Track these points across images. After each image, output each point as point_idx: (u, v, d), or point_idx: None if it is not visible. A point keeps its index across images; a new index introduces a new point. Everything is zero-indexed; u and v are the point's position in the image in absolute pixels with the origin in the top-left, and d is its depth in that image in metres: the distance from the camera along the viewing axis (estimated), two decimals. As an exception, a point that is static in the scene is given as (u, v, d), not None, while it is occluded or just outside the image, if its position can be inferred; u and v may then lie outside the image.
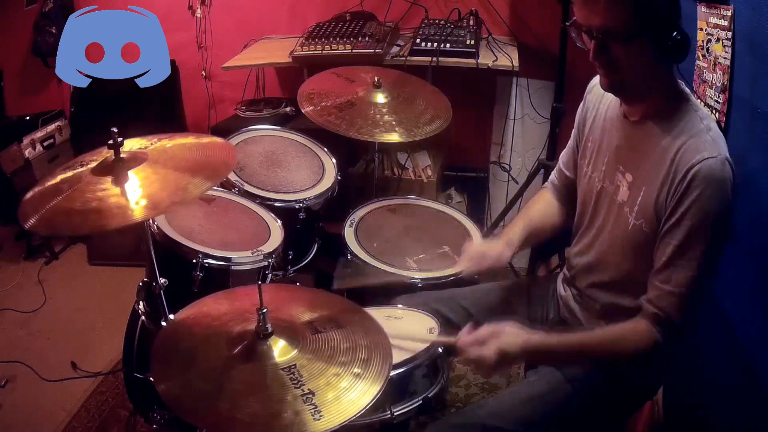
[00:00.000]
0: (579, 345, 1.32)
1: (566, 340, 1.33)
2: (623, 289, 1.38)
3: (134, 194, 1.26)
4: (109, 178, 1.30)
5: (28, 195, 1.33)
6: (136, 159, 1.36)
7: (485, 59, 2.49)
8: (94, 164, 1.36)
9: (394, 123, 2.06)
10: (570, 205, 1.64)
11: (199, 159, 1.40)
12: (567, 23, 1.28)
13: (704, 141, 1.20)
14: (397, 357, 1.29)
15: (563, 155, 1.66)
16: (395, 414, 1.32)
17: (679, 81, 1.30)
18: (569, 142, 1.63)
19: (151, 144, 1.45)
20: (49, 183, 1.35)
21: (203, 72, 3.19)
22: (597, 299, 1.46)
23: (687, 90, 1.30)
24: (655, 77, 1.25)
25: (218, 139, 1.55)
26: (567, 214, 1.65)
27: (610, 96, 1.40)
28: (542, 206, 1.69)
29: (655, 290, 1.26)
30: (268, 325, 1.17)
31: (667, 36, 1.18)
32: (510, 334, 1.29)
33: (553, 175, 1.70)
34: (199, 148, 1.47)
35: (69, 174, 1.37)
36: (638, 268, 1.32)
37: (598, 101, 1.47)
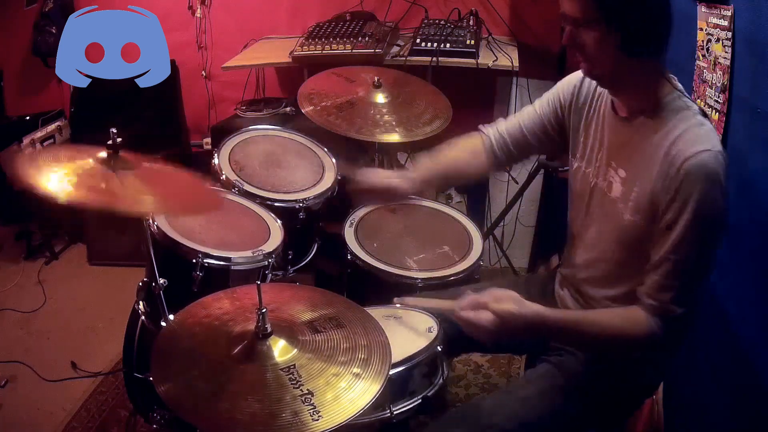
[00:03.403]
0: (576, 321, 1.33)
1: (565, 314, 1.36)
2: (619, 285, 1.38)
3: (141, 190, 1.27)
4: (112, 173, 1.30)
5: (24, 142, 1.25)
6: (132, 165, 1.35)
7: (485, 59, 2.49)
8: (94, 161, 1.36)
9: (394, 123, 2.06)
10: (499, 161, 1.62)
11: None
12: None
13: (697, 134, 1.20)
14: (396, 356, 1.29)
15: (524, 118, 1.58)
16: (395, 413, 1.32)
17: (671, 77, 1.29)
18: (538, 108, 1.56)
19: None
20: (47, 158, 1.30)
21: (203, 72, 3.19)
22: (593, 296, 1.46)
23: (679, 86, 1.29)
24: (631, 70, 1.24)
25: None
26: (490, 168, 1.66)
27: (603, 92, 1.40)
28: (465, 155, 1.66)
29: (652, 283, 1.25)
30: (267, 325, 1.17)
31: (634, 27, 1.17)
32: (508, 301, 1.28)
33: (498, 131, 1.62)
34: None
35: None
36: (634, 262, 1.32)
37: (593, 96, 1.45)
